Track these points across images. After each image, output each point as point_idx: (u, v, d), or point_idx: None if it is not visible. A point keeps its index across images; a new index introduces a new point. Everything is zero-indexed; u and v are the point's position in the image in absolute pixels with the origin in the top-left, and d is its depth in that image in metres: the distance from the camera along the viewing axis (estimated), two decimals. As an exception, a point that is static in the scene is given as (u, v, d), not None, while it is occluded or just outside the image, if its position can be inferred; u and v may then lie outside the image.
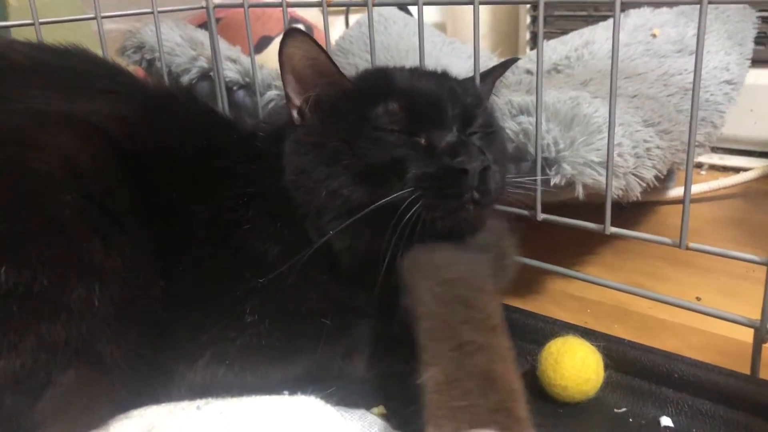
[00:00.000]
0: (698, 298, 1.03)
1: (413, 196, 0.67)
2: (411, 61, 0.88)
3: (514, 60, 0.89)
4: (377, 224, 0.68)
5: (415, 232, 0.67)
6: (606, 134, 0.84)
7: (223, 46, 1.19)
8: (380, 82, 0.78)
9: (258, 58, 1.13)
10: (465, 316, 0.60)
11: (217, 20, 1.44)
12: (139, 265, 0.66)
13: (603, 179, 0.86)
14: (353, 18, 2.00)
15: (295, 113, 0.77)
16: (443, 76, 0.83)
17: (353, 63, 1.47)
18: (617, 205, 0.88)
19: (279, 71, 0.76)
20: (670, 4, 1.40)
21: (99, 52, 0.94)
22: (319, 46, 0.74)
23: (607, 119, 0.81)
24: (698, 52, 0.73)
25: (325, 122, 0.75)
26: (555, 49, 1.40)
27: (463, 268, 0.67)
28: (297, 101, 0.77)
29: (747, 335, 0.80)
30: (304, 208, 0.73)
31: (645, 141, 0.96)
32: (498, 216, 0.81)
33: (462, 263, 0.68)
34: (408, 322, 0.64)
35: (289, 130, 0.77)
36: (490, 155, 0.72)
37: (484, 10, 2.04)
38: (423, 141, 0.72)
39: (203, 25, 1.41)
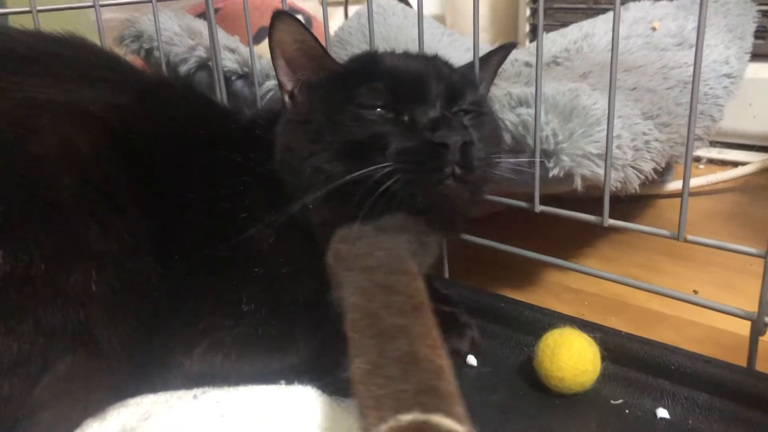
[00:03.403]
0: (695, 291, 1.03)
1: (389, 170, 0.66)
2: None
3: (513, 45, 0.88)
4: (357, 199, 0.68)
5: (391, 208, 0.67)
6: (605, 126, 0.83)
7: (222, 35, 1.19)
8: (367, 64, 0.78)
9: (256, 48, 1.12)
10: (385, 301, 0.59)
11: (216, 10, 1.43)
12: (136, 252, 0.66)
13: (601, 171, 0.86)
14: (352, 9, 2.00)
15: (286, 98, 0.78)
16: (432, 57, 0.83)
17: (352, 54, 1.47)
18: (615, 198, 0.88)
19: (277, 60, 0.77)
20: (670, -3, 1.40)
21: (97, 41, 0.94)
22: (306, 28, 0.75)
23: (606, 111, 0.81)
24: (698, 46, 0.72)
25: (312, 101, 0.76)
26: (554, 41, 1.40)
27: (382, 253, 0.66)
28: (288, 85, 0.78)
29: (744, 328, 0.80)
30: (292, 187, 0.73)
31: (644, 134, 0.96)
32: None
33: (381, 248, 0.67)
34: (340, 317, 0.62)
35: (283, 114, 0.77)
36: (476, 133, 0.72)
37: (484, 2, 2.04)
38: (406, 118, 0.72)
39: (202, 15, 1.41)
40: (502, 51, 0.88)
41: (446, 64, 0.82)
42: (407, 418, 0.48)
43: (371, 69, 0.76)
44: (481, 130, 0.75)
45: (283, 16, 0.73)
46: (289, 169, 0.73)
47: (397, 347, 0.55)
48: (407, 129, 0.70)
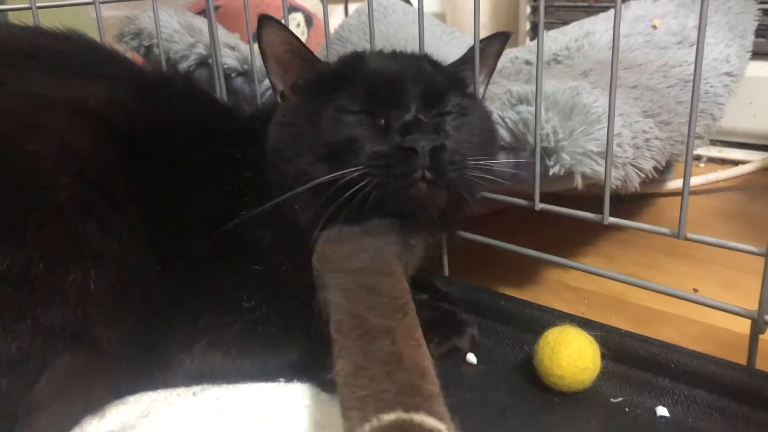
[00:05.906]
0: (695, 290, 1.03)
1: (360, 173, 0.67)
2: (409, 50, 0.88)
3: (507, 34, 0.87)
4: (328, 201, 0.69)
5: (363, 210, 0.68)
6: (605, 124, 0.83)
7: (222, 33, 1.19)
8: (351, 66, 0.79)
9: (256, 46, 1.12)
10: (369, 303, 0.60)
11: (216, 8, 1.43)
12: (136, 250, 0.66)
13: (602, 169, 0.86)
14: (352, 6, 1.99)
15: (279, 99, 0.79)
16: (418, 57, 0.83)
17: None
18: (615, 197, 0.88)
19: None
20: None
21: (97, 38, 0.94)
22: (291, 32, 0.76)
23: (607, 109, 0.81)
24: (699, 44, 0.72)
25: (297, 104, 0.77)
26: (555, 39, 1.40)
27: (367, 255, 0.67)
28: (279, 86, 0.79)
29: (744, 326, 0.80)
30: (280, 189, 0.73)
31: (644, 132, 0.96)
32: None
33: (367, 250, 0.68)
34: (325, 319, 0.63)
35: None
36: (456, 135, 0.73)
37: (485, 0, 2.04)
38: (382, 121, 0.72)
39: (202, 13, 1.41)
40: (496, 41, 0.86)
41: (433, 64, 0.82)
42: (390, 417, 0.48)
43: (353, 71, 0.77)
44: (463, 132, 0.75)
45: (268, 20, 0.75)
46: (277, 171, 0.74)
47: (379, 348, 0.55)
48: (381, 133, 0.71)
